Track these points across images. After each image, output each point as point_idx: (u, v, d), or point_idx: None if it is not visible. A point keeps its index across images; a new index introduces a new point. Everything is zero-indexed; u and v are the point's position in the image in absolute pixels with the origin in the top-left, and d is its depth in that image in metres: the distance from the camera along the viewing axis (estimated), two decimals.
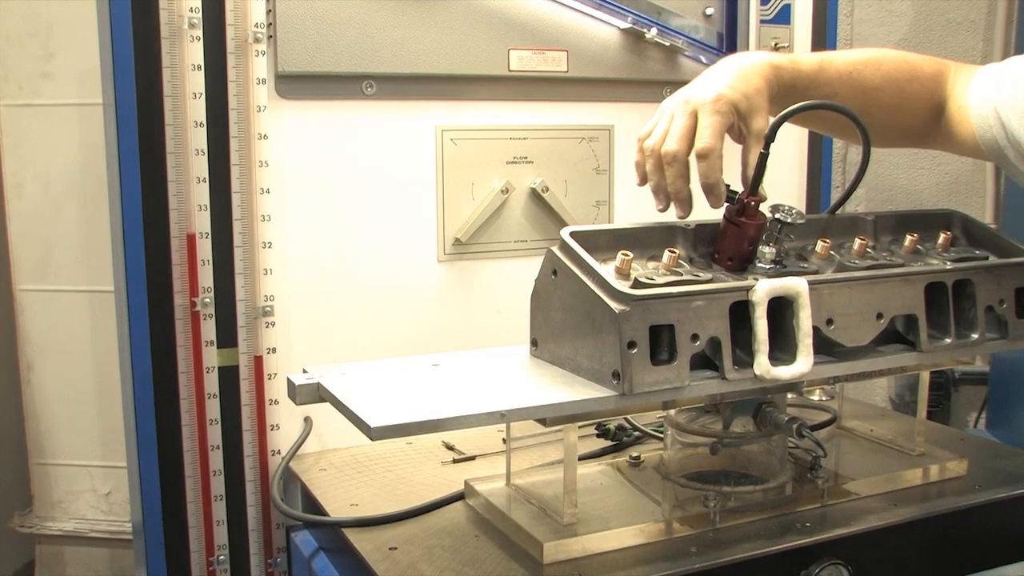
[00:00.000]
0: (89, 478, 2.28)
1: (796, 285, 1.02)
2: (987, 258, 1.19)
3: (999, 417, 2.32)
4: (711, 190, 1.09)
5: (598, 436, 1.38)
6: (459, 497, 1.20)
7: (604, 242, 1.06)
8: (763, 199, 1.09)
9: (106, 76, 1.30)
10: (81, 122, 2.17)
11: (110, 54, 1.27)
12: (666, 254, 1.04)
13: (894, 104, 1.22)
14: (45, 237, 2.22)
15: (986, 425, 2.41)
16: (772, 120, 1.10)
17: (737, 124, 1.12)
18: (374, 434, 0.89)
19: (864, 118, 1.12)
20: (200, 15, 1.27)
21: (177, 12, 1.26)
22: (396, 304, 1.46)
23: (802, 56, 1.23)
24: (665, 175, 1.10)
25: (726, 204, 1.09)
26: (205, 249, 1.30)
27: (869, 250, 1.15)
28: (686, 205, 1.11)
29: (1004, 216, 2.51)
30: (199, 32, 1.27)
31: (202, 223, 1.30)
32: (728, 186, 1.10)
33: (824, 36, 1.76)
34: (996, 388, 2.35)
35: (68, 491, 2.29)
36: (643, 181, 1.14)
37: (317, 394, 1.03)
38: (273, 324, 1.35)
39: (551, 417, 0.98)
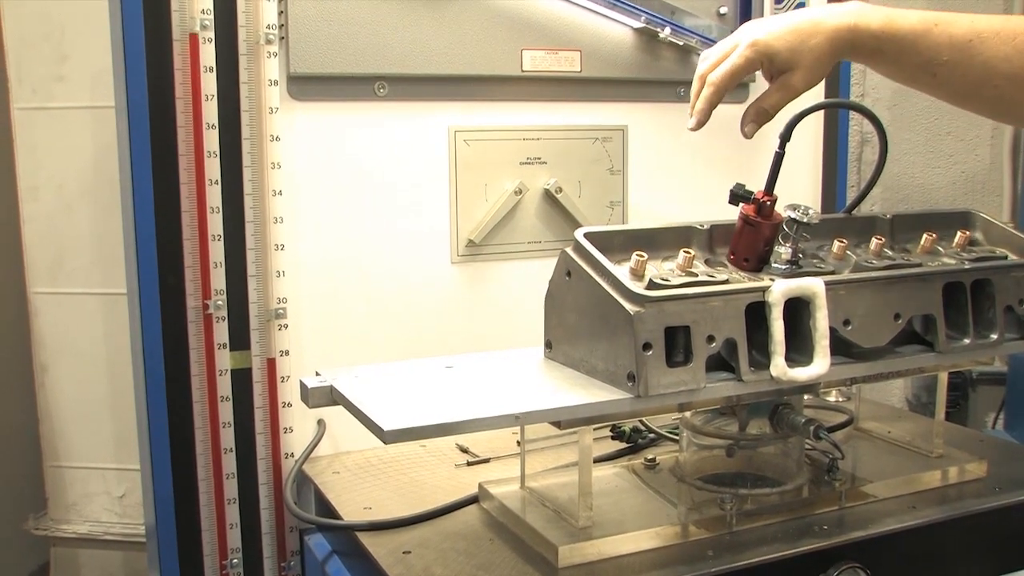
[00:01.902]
0: (103, 481, 2.28)
1: (813, 286, 1.01)
2: (1006, 257, 1.18)
3: (1017, 418, 2.30)
4: (697, 116, 1.15)
5: (613, 438, 1.37)
6: (473, 500, 1.19)
7: (618, 243, 1.05)
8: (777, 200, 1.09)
9: (118, 79, 1.30)
10: (94, 124, 2.17)
11: (122, 57, 1.27)
12: (681, 254, 1.03)
13: None
14: (59, 240, 2.23)
15: (1004, 426, 2.39)
16: (791, 115, 1.09)
17: (769, 69, 1.13)
18: (387, 438, 0.88)
19: (984, 91, 1.09)
20: (212, 17, 1.27)
21: (189, 14, 1.26)
22: (409, 306, 1.46)
23: (907, 16, 1.11)
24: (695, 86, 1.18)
25: (741, 204, 1.08)
26: (218, 251, 1.30)
27: (886, 250, 1.14)
28: (694, 120, 1.16)
29: (1021, 214, 2.49)
30: (211, 34, 1.27)
31: (215, 225, 1.29)
32: (743, 186, 1.09)
33: None
34: (1014, 388, 2.33)
35: (82, 494, 2.29)
36: None
37: (330, 397, 1.03)
38: (286, 326, 1.35)
39: (566, 420, 0.97)
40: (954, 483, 1.22)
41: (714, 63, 1.14)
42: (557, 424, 0.98)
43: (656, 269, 1.04)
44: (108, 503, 2.30)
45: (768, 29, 1.12)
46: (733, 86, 1.13)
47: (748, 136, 1.15)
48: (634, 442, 1.36)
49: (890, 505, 1.15)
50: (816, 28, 1.11)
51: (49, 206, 2.22)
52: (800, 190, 1.73)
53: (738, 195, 1.09)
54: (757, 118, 1.15)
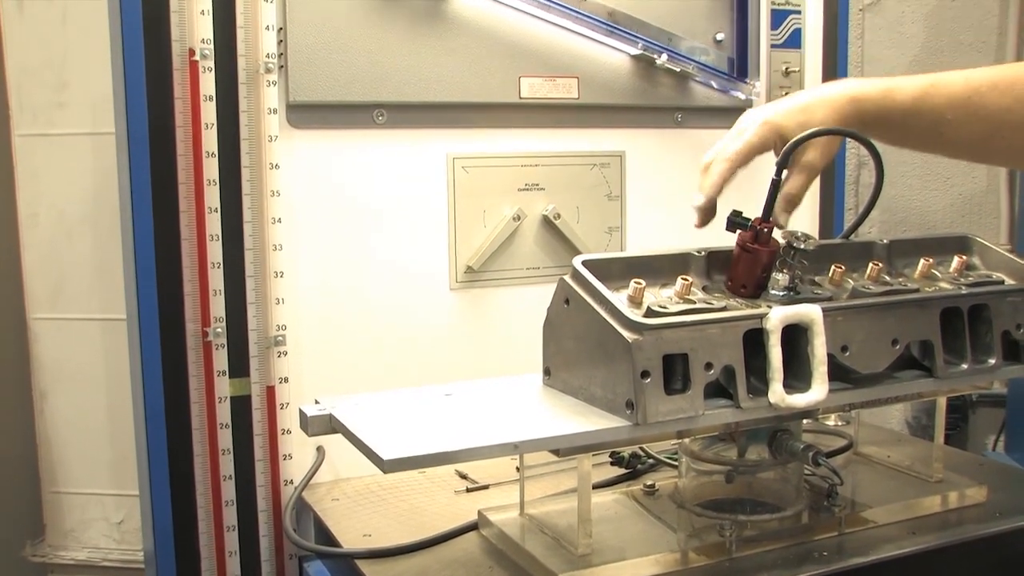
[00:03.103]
0: (101, 507, 2.28)
1: (810, 312, 1.01)
2: (1003, 282, 1.18)
3: (1018, 440, 2.29)
4: (706, 192, 1.13)
5: (612, 464, 1.37)
6: (473, 527, 1.19)
7: (616, 270, 1.05)
8: (775, 226, 1.09)
9: (118, 107, 1.31)
10: (95, 150, 2.18)
11: (122, 85, 1.28)
12: (679, 282, 1.04)
13: None
14: (59, 266, 2.23)
15: (1005, 448, 2.38)
16: (786, 147, 1.09)
17: (782, 149, 1.12)
18: (386, 467, 0.88)
19: (994, 144, 1.09)
20: (211, 46, 1.28)
21: (189, 43, 1.27)
22: (408, 332, 1.46)
23: (902, 84, 1.12)
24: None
25: (739, 231, 1.09)
26: (217, 279, 1.30)
27: (883, 275, 1.15)
28: (703, 197, 1.14)
29: (1019, 236, 2.49)
30: (211, 63, 1.28)
31: (214, 253, 1.30)
32: (740, 213, 1.09)
33: (835, 59, 1.76)
34: (1015, 410, 2.33)
35: (80, 520, 2.29)
36: None
37: (329, 425, 1.03)
38: (285, 353, 1.35)
39: (564, 448, 0.97)
40: (954, 508, 1.22)
41: (721, 150, 1.14)
42: (556, 452, 0.98)
43: (654, 296, 1.04)
44: (106, 529, 2.29)
45: (776, 110, 1.12)
46: (746, 163, 1.12)
47: (782, 226, 1.12)
48: (633, 468, 1.36)
49: (890, 531, 1.15)
50: (820, 104, 1.11)
51: (49, 232, 2.23)
52: (798, 213, 1.70)
53: (735, 222, 1.09)
54: (787, 207, 1.13)
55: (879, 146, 1.17)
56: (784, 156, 1.10)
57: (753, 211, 1.10)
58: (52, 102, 2.20)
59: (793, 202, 1.13)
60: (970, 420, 2.58)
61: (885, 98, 1.11)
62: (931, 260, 1.18)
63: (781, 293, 1.06)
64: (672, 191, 1.61)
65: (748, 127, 1.12)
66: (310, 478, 1.37)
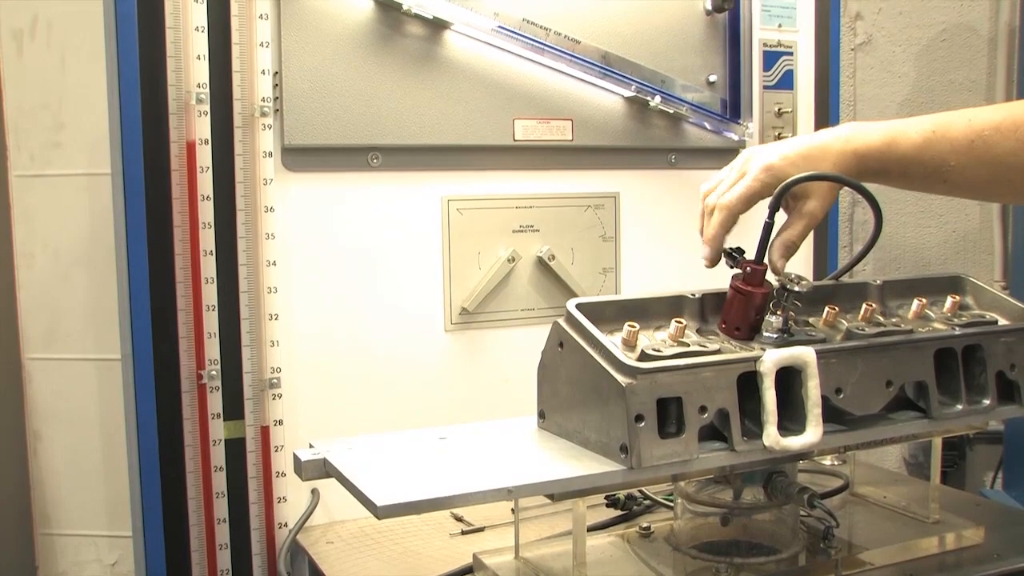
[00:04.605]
0: (95, 548, 2.26)
1: (804, 355, 1.01)
2: (996, 322, 1.19)
3: (1017, 477, 2.29)
4: (710, 244, 1.12)
5: (608, 506, 1.37)
6: (468, 571, 1.18)
7: (610, 313, 1.06)
8: (771, 271, 1.09)
9: (114, 150, 1.31)
10: (91, 190, 2.18)
11: (119, 129, 1.28)
12: (673, 324, 1.04)
13: None
14: (54, 306, 2.23)
15: (1003, 485, 2.38)
16: (777, 190, 1.10)
17: (787, 199, 1.12)
18: (380, 513, 0.88)
19: (999, 187, 1.09)
20: (207, 90, 1.28)
21: (185, 87, 1.28)
22: (403, 374, 1.46)
23: (906, 131, 1.11)
24: (703, 221, 1.15)
25: (732, 273, 1.09)
26: (212, 322, 1.30)
27: (877, 316, 1.15)
28: (708, 249, 1.13)
29: (1013, 273, 2.50)
30: (206, 107, 1.29)
31: (209, 296, 1.30)
32: (742, 251, 1.10)
33: (827, 100, 1.77)
34: (1012, 448, 2.33)
35: (74, 562, 2.27)
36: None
37: (323, 470, 1.02)
38: (280, 396, 1.35)
39: (558, 493, 0.97)
40: (952, 550, 1.21)
41: (723, 190, 1.13)
42: (550, 496, 0.97)
43: (648, 339, 1.04)
44: (100, 571, 2.27)
45: (779, 154, 1.11)
46: (747, 209, 1.11)
47: (779, 272, 1.11)
48: (628, 509, 1.35)
49: (887, 573, 1.14)
50: (824, 154, 1.10)
51: (45, 272, 2.23)
52: None
53: (734, 257, 1.10)
54: (785, 252, 1.13)
55: (875, 188, 1.17)
56: (776, 198, 1.09)
57: (753, 250, 1.10)
58: (49, 142, 2.21)
59: (791, 249, 1.13)
60: (968, 457, 2.57)
61: (889, 149, 1.10)
62: (924, 300, 1.19)
63: (775, 335, 1.06)
64: (666, 232, 1.61)
65: (750, 171, 1.11)
66: (304, 521, 1.36)
